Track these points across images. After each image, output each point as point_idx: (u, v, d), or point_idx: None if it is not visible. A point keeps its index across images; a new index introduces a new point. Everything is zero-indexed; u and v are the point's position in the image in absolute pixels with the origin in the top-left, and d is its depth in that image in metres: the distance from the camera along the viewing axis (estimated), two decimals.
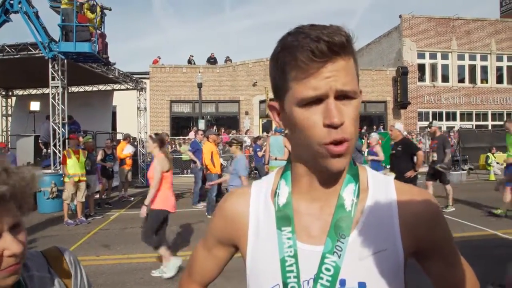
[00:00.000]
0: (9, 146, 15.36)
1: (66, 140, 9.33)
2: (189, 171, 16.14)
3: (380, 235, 0.82)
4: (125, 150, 11.67)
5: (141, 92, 16.73)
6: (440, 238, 0.86)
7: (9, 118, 18.21)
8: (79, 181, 8.38)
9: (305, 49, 0.73)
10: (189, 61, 22.45)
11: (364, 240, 0.81)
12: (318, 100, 0.75)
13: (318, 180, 0.85)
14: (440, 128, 9.36)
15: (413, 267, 0.96)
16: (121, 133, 17.99)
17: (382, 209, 0.84)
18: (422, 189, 0.89)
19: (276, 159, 8.65)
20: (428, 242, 0.84)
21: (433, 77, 23.53)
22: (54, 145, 10.95)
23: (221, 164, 10.29)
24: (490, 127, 23.04)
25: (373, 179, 0.89)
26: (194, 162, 10.27)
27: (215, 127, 19.34)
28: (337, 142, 0.75)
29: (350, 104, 0.76)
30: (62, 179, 8.91)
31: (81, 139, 9.34)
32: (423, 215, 0.83)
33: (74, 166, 8.33)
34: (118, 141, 14.28)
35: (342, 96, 0.75)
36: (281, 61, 0.78)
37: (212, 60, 22.64)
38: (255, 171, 14.08)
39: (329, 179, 0.84)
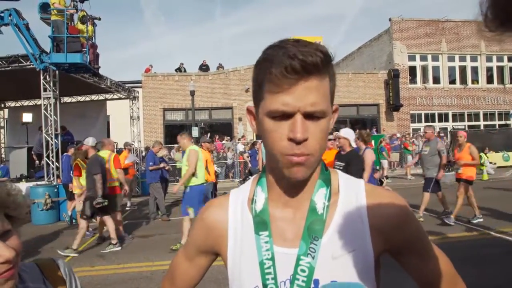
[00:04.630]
0: (3, 158, 15.28)
1: (72, 150, 9.09)
2: None
3: (350, 236, 0.86)
4: (127, 160, 11.54)
5: (133, 101, 16.74)
6: (411, 236, 0.89)
7: (1, 130, 18.14)
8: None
9: (279, 65, 0.76)
10: (180, 69, 22.43)
11: (335, 241, 0.85)
12: (286, 115, 0.79)
13: (291, 186, 0.88)
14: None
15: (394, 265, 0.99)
16: (115, 142, 17.94)
17: (352, 211, 0.88)
18: (391, 191, 0.93)
19: None
20: (399, 240, 0.88)
21: (425, 79, 23.71)
22: (47, 157, 10.92)
23: (215, 171, 10.27)
24: (482, 127, 23.25)
25: (344, 183, 0.93)
26: None
27: (209, 134, 19.34)
28: (297, 155, 0.79)
29: (318, 124, 0.80)
30: (71, 190, 8.63)
31: (72, 150, 9.27)
32: (391, 216, 0.87)
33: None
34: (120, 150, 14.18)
35: (310, 115, 0.79)
36: (259, 72, 0.82)
37: (204, 67, 22.68)
38: (250, 177, 14.08)
39: (300, 184, 0.88)
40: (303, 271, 0.84)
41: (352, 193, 0.90)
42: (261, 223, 0.91)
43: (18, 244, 0.94)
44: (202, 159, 6.80)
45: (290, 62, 0.75)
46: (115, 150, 12.11)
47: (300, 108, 0.77)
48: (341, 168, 5.22)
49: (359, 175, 5.02)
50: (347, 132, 5.55)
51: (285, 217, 0.90)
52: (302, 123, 0.78)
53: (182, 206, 6.76)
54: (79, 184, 8.14)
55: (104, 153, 7.66)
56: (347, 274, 0.83)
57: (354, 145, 5.50)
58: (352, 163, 5.21)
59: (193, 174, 6.55)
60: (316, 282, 0.83)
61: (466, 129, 22.58)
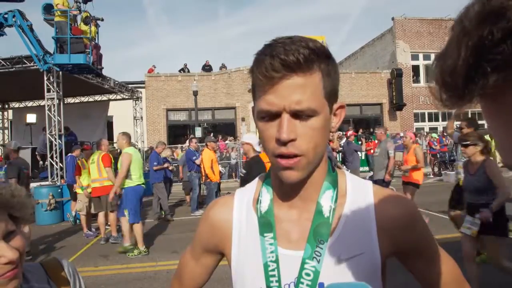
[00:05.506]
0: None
1: (80, 151, 9.14)
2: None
3: (357, 239, 0.84)
4: None
5: (137, 102, 16.81)
6: (418, 238, 0.88)
7: (5, 131, 18.23)
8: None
9: (261, 66, 0.76)
10: (183, 70, 22.43)
11: (342, 245, 0.84)
12: (274, 115, 0.78)
13: (296, 188, 0.87)
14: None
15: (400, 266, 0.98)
16: (115, 142, 17.98)
17: (360, 214, 0.86)
18: (399, 193, 0.92)
19: None
20: (406, 243, 0.87)
21: (428, 78, 23.57)
22: (51, 157, 10.96)
23: (220, 171, 10.27)
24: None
25: (352, 184, 0.91)
26: (189, 170, 10.24)
27: (212, 134, 19.35)
28: (286, 156, 0.78)
29: (307, 123, 0.78)
30: (75, 190, 8.66)
31: (78, 151, 9.29)
32: (400, 218, 0.86)
33: (88, 178, 8.06)
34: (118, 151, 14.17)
35: (297, 114, 0.77)
36: (251, 75, 0.82)
37: (207, 68, 22.67)
38: None
39: (305, 186, 0.87)
40: (307, 275, 0.83)
41: (360, 195, 0.89)
42: (266, 224, 0.90)
43: (22, 245, 0.94)
44: (139, 160, 6.68)
45: (270, 61, 0.74)
46: (119, 150, 12.19)
47: (286, 107, 0.76)
48: (242, 175, 4.99)
49: None
50: (249, 137, 5.23)
51: (290, 219, 0.89)
52: (288, 123, 0.76)
53: (119, 208, 6.71)
54: (79, 183, 8.19)
55: (96, 153, 7.71)
56: (353, 277, 0.82)
57: (258, 149, 5.22)
58: (252, 170, 4.68)
59: (127, 176, 6.43)
60: (321, 285, 0.82)
61: None
